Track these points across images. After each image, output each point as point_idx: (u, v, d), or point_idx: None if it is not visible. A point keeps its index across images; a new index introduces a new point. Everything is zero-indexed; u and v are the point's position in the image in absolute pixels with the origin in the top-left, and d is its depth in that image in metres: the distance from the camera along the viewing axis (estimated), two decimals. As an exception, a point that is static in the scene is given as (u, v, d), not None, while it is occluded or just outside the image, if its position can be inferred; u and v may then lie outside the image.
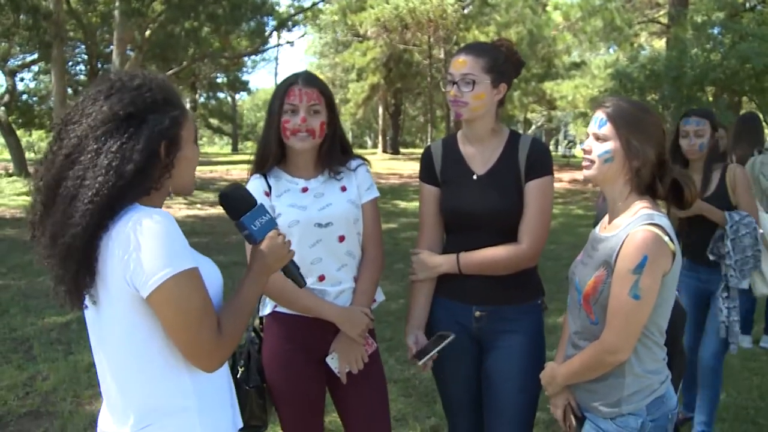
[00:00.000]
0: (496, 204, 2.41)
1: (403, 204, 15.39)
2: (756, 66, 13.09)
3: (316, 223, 2.41)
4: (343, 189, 2.48)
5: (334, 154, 2.49)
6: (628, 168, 2.06)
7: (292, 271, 1.85)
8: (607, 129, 2.06)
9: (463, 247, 2.47)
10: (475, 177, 2.48)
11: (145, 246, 1.47)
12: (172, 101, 1.63)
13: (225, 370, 1.75)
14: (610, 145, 2.05)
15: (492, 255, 2.40)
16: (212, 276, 1.68)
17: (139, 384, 1.60)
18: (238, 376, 2.46)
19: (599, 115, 2.09)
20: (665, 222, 1.99)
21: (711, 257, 3.63)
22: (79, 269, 1.50)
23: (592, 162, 2.09)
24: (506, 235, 2.42)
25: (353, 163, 2.53)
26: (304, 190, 2.45)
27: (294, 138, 2.39)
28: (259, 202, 1.78)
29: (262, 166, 2.48)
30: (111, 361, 1.63)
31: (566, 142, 44.32)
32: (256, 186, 2.45)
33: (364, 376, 2.48)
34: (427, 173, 2.59)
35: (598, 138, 2.08)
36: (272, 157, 2.44)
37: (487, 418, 2.52)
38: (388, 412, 2.58)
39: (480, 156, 2.49)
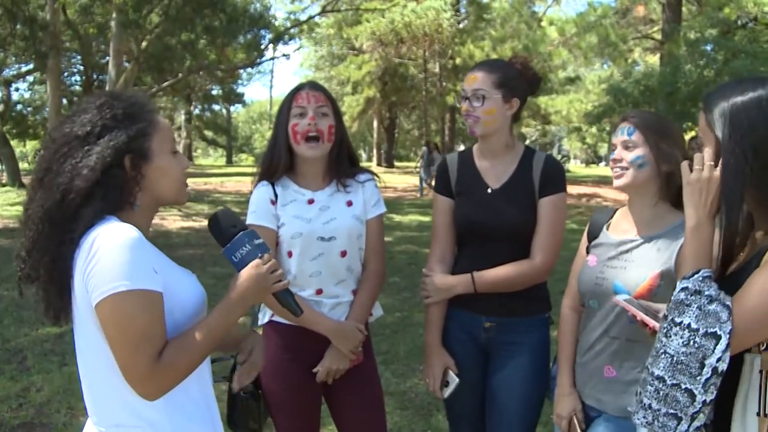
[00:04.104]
0: (509, 217, 2.44)
1: (398, 218, 15.39)
2: (749, 83, 13.22)
3: (319, 236, 2.42)
4: (349, 204, 2.49)
5: (343, 163, 2.51)
6: (658, 173, 2.07)
7: (285, 300, 1.76)
8: (637, 136, 2.09)
9: (475, 259, 2.49)
10: (489, 190, 2.51)
11: (107, 255, 1.46)
12: (134, 115, 1.61)
13: (206, 383, 1.70)
14: (641, 150, 2.08)
15: (507, 273, 2.42)
16: (190, 292, 1.64)
17: (110, 396, 1.57)
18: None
19: (625, 125, 2.12)
20: None
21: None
22: (49, 288, 1.55)
23: (626, 169, 2.10)
24: (518, 248, 2.44)
25: (362, 177, 2.56)
26: (310, 201, 2.46)
27: (305, 144, 2.40)
28: (243, 230, 1.70)
29: (269, 175, 2.49)
30: (85, 372, 1.62)
31: (560, 156, 44.63)
32: (262, 193, 2.46)
33: (361, 388, 2.50)
34: (442, 185, 2.62)
35: (627, 146, 2.10)
36: (282, 166, 2.46)
37: (489, 426, 2.53)
38: (385, 424, 2.59)
39: (495, 170, 2.52)
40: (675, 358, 1.44)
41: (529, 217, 2.44)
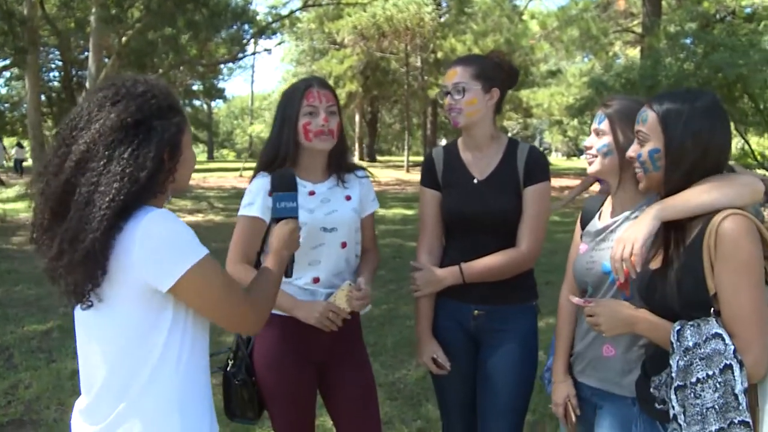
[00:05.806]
0: (495, 206, 2.50)
1: (382, 211, 15.39)
2: (728, 76, 13.39)
3: (322, 227, 2.46)
4: (348, 198, 2.55)
5: (344, 158, 2.58)
6: (625, 160, 2.06)
7: (291, 262, 1.98)
8: (605, 124, 2.16)
9: (463, 250, 2.54)
10: (475, 181, 2.56)
11: (163, 243, 1.54)
12: (175, 107, 1.68)
13: (205, 375, 1.75)
14: (608, 139, 2.15)
15: (494, 262, 2.48)
16: None
17: (129, 381, 1.61)
18: (228, 369, 2.51)
19: (599, 112, 2.19)
20: None
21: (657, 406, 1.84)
22: (96, 270, 1.54)
23: (595, 156, 2.18)
24: (505, 238, 2.50)
25: (360, 173, 2.62)
26: (311, 193, 2.50)
27: (317, 139, 2.45)
28: (296, 192, 1.99)
29: (271, 166, 2.48)
30: (106, 356, 1.64)
31: (542, 149, 44.80)
32: (262, 184, 2.47)
33: (353, 374, 2.54)
34: (428, 178, 2.66)
35: (598, 134, 2.18)
36: (289, 158, 2.48)
37: (480, 412, 2.58)
38: (379, 414, 2.63)
39: (479, 162, 2.58)
40: (717, 406, 1.60)
41: (515, 206, 2.50)
